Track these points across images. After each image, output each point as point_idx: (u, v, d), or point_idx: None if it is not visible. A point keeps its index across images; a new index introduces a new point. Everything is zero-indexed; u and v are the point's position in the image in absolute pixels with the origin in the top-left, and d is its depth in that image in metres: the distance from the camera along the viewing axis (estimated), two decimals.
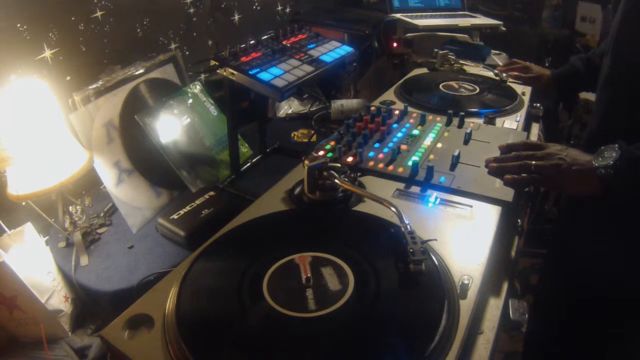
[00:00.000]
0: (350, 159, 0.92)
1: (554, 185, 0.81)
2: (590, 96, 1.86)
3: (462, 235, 0.71)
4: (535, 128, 1.17)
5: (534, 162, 0.80)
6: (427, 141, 0.98)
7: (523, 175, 0.80)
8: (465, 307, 0.57)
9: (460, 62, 1.52)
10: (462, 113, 1.07)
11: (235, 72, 0.98)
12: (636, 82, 0.84)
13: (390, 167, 0.89)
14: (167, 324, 0.56)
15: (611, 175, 0.71)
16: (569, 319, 1.03)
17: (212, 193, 1.10)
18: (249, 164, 1.28)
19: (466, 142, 0.98)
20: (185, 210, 1.05)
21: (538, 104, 1.24)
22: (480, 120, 1.10)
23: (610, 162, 0.71)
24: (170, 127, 1.19)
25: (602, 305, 0.92)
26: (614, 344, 0.96)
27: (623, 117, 0.87)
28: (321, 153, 0.94)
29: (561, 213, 1.17)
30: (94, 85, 1.10)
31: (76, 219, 1.08)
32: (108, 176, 1.08)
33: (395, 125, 1.06)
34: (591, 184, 0.74)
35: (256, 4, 1.80)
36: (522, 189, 0.84)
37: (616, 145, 0.73)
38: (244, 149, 1.34)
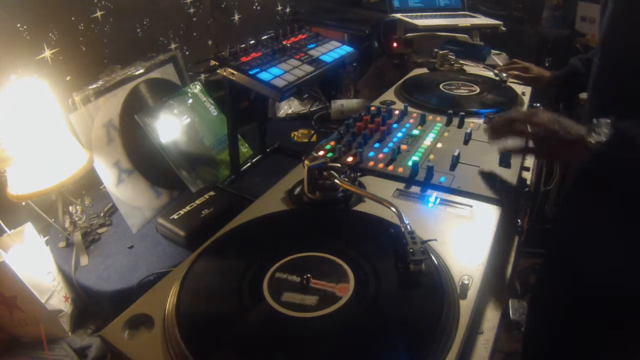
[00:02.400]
0: (350, 159, 0.92)
1: (545, 151, 0.83)
2: None
3: (462, 235, 0.71)
4: None
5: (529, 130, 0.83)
6: (427, 141, 0.98)
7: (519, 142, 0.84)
8: (465, 307, 0.57)
9: (460, 62, 1.52)
10: (462, 113, 1.07)
11: (235, 72, 0.98)
12: (624, 80, 0.84)
13: (390, 167, 0.89)
14: (167, 324, 0.56)
15: (604, 151, 0.75)
16: (568, 318, 1.02)
17: (212, 193, 1.10)
18: (249, 164, 1.28)
19: (466, 142, 0.98)
20: (185, 210, 1.05)
21: (538, 104, 1.24)
22: (480, 120, 1.10)
23: (603, 139, 0.75)
24: (170, 127, 1.19)
25: (602, 305, 0.92)
26: (614, 343, 0.96)
27: (613, 114, 0.87)
28: (321, 153, 0.94)
29: (560, 212, 1.17)
30: (94, 85, 1.10)
31: (76, 219, 1.08)
32: (108, 176, 1.08)
33: (395, 125, 1.06)
34: (583, 155, 0.77)
35: (256, 4, 1.80)
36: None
37: (608, 120, 0.76)
38: (244, 149, 1.34)
